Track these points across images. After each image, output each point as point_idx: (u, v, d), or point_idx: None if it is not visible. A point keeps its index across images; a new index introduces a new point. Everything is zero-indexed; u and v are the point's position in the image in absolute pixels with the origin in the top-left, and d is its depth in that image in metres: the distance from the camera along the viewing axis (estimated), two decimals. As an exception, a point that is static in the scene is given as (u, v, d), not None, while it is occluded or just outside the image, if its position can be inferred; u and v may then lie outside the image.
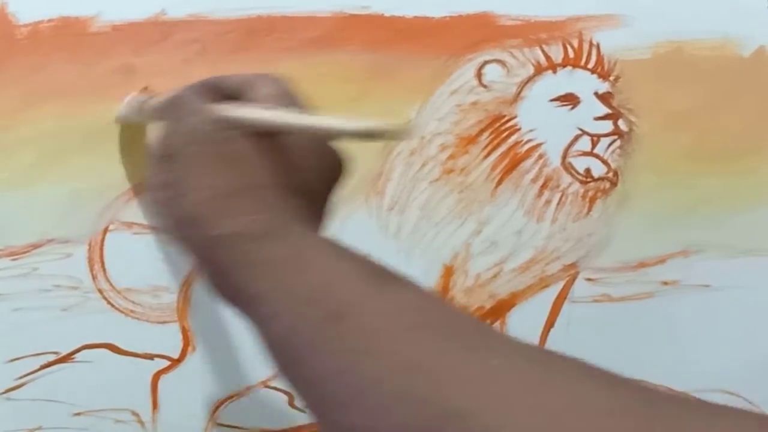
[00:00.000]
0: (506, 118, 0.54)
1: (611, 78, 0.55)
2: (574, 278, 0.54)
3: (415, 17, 0.53)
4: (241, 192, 0.37)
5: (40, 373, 0.48)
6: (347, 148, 0.40)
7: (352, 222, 0.52)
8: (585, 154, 0.55)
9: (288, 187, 0.38)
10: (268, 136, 0.38)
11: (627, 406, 0.27)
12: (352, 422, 0.30)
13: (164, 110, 0.41)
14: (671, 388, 0.28)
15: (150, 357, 0.50)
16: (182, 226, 0.38)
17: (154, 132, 0.41)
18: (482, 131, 0.54)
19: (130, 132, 0.49)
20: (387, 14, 0.53)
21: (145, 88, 0.49)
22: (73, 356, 0.49)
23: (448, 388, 0.28)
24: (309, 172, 0.39)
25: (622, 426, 0.26)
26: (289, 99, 0.40)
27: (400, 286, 0.34)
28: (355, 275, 0.34)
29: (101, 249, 0.49)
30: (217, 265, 0.36)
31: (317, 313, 0.32)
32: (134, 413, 0.49)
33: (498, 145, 0.54)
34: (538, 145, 0.54)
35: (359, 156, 0.41)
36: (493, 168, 0.54)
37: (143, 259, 0.49)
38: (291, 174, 0.38)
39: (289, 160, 0.38)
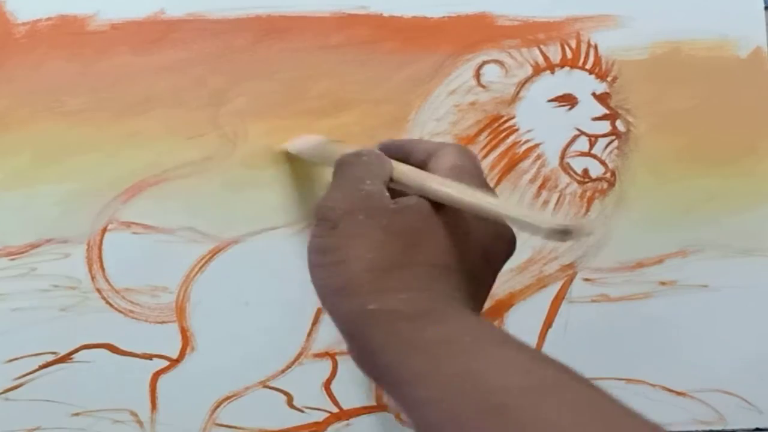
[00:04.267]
0: (504, 119, 0.54)
1: (609, 78, 0.55)
2: (572, 278, 0.54)
3: (414, 17, 0.53)
4: (405, 268, 0.35)
5: (38, 373, 0.48)
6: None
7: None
8: (583, 154, 0.55)
9: (454, 266, 0.36)
10: (441, 211, 0.36)
11: None
12: None
13: (343, 167, 0.39)
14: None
15: (149, 357, 0.49)
16: (337, 295, 0.36)
17: (323, 175, 0.39)
18: (480, 131, 0.54)
19: (296, 166, 0.49)
20: (386, 14, 0.53)
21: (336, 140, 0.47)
22: (71, 356, 0.49)
23: None
24: (478, 253, 0.37)
25: None
26: (472, 173, 0.38)
27: (562, 377, 0.32)
28: (517, 364, 0.32)
29: (100, 249, 0.49)
30: (368, 342, 0.34)
31: (478, 403, 0.31)
32: (133, 413, 0.49)
33: (496, 145, 0.54)
34: (536, 146, 0.54)
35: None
36: (492, 168, 0.54)
37: (142, 259, 0.49)
38: (459, 253, 0.36)
39: (460, 238, 0.36)
